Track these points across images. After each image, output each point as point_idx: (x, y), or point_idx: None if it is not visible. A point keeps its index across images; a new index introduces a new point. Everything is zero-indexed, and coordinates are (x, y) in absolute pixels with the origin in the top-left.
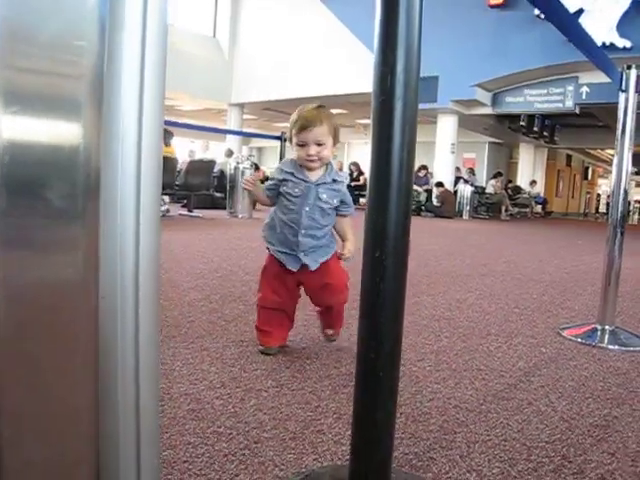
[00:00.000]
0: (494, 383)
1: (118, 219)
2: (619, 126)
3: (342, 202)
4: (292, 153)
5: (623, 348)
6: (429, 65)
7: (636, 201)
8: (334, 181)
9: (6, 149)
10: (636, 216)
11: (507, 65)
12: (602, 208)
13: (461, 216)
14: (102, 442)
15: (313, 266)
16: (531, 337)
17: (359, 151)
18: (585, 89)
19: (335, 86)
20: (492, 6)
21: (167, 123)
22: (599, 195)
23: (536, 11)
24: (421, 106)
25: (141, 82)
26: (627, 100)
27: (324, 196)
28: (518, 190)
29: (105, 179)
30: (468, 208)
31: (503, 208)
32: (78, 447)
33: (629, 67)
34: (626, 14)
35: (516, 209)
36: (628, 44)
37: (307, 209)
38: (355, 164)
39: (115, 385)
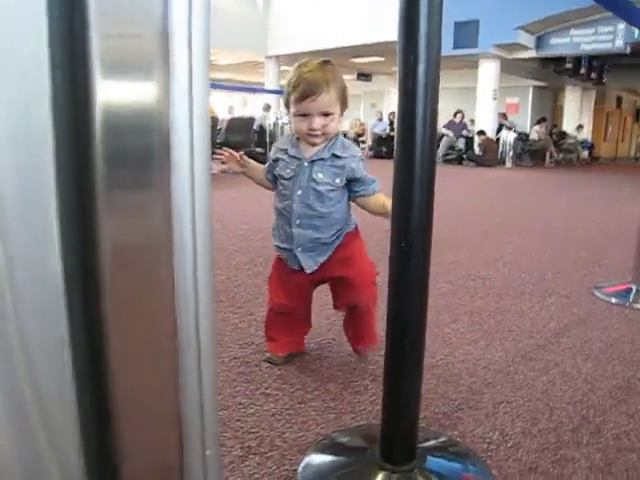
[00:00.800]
0: (524, 344)
1: (184, 181)
2: None
3: (354, 181)
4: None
5: None
6: (469, 9)
7: None
8: (334, 156)
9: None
10: None
11: (551, 5)
12: None
13: (504, 164)
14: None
15: (309, 267)
16: (565, 296)
17: None
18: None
19: (371, 34)
20: None
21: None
22: None
23: None
24: (461, 51)
25: (189, 39)
26: None
27: (320, 175)
28: (563, 135)
29: (174, 140)
30: (511, 155)
31: (547, 155)
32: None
33: None
34: None
35: (561, 155)
36: None
37: (299, 193)
38: (394, 113)
39: (188, 340)
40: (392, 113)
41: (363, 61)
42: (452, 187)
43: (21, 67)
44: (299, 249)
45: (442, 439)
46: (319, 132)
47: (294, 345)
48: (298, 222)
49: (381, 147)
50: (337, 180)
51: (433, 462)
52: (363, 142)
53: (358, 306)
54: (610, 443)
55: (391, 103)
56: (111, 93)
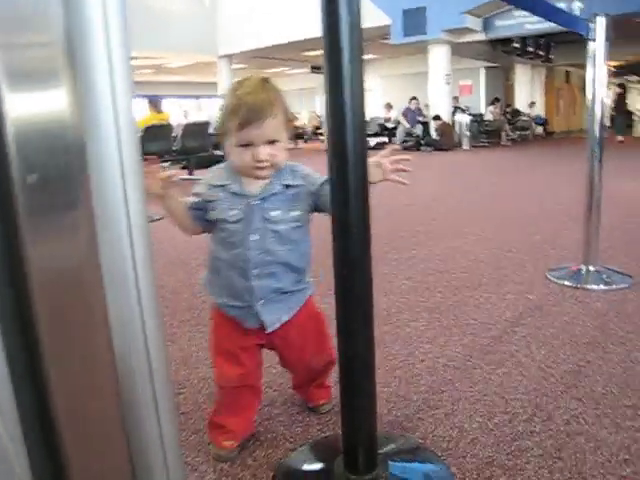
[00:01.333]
0: (481, 337)
1: (111, 197)
2: (588, 67)
3: (319, 187)
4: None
5: (605, 287)
6: None
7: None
8: (287, 187)
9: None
10: None
11: None
12: (606, 121)
13: (461, 146)
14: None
15: (271, 324)
16: (519, 283)
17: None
18: (578, 4)
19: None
20: None
21: (157, 83)
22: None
23: None
24: (410, 39)
25: (107, 42)
26: (596, 47)
27: (275, 213)
28: (517, 113)
29: (90, 152)
30: (468, 137)
31: (503, 134)
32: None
33: (596, 15)
34: None
35: (517, 133)
36: None
37: (255, 238)
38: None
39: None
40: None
41: (316, 54)
42: (409, 175)
43: None
44: (261, 302)
45: (403, 443)
46: (267, 164)
47: (248, 427)
48: (256, 272)
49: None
50: (297, 213)
51: (395, 467)
52: (322, 134)
53: (317, 371)
54: (561, 429)
55: None
56: (22, 108)
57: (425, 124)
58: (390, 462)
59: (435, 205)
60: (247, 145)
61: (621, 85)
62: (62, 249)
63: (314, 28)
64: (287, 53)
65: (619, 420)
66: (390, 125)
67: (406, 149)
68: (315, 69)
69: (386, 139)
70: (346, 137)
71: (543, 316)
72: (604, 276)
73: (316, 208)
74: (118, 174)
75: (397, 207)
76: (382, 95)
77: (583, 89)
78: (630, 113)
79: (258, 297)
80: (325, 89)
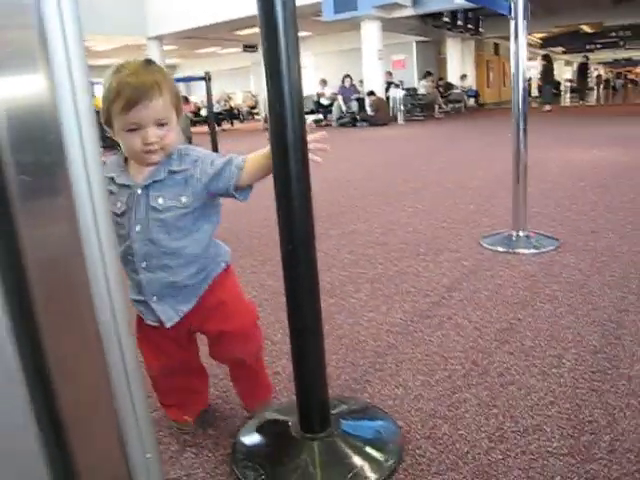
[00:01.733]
0: (420, 303)
1: (81, 182)
2: (511, 42)
3: (215, 177)
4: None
5: (535, 251)
6: None
7: (566, 80)
8: (172, 173)
9: None
10: (568, 95)
11: None
12: (534, 92)
13: (396, 121)
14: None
15: (169, 320)
16: (455, 251)
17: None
18: None
19: (252, 5)
20: None
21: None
22: (530, 79)
23: None
24: (342, 15)
25: (62, 28)
26: (517, 24)
27: (160, 201)
28: (450, 86)
29: (66, 140)
30: (402, 111)
31: (436, 107)
32: None
33: None
34: None
35: (450, 106)
36: None
37: (138, 229)
38: None
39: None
40: None
41: (248, 32)
42: (347, 151)
43: None
44: (154, 298)
45: (353, 403)
46: (157, 146)
47: (200, 402)
48: (144, 265)
49: None
50: (183, 199)
51: (346, 425)
52: (257, 114)
53: (243, 361)
54: (495, 380)
55: None
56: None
57: (360, 100)
58: (342, 420)
59: (372, 179)
60: (135, 129)
61: (546, 56)
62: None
63: (245, 7)
64: (219, 33)
65: (546, 369)
66: (325, 102)
67: (342, 125)
68: (248, 48)
69: (321, 116)
70: (286, 117)
71: (478, 280)
72: (533, 240)
73: (218, 191)
74: (80, 163)
75: (335, 183)
76: (315, 72)
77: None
78: (558, 83)
79: (150, 292)
80: (265, 68)
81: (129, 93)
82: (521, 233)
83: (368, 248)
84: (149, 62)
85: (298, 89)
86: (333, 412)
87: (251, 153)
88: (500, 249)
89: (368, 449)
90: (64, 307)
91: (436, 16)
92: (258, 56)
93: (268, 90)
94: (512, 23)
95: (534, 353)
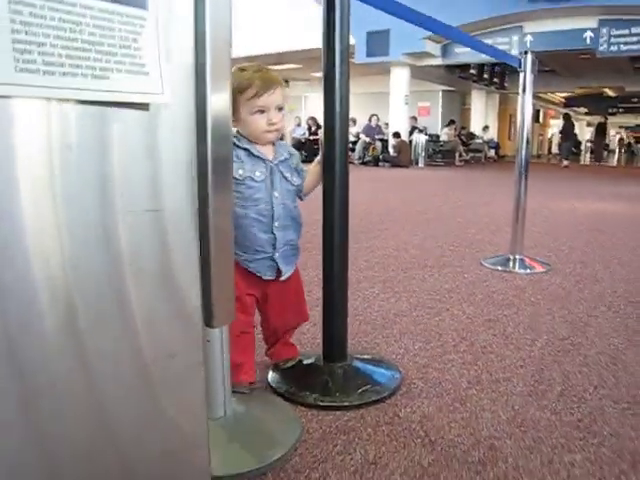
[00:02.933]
0: (424, 299)
1: None
2: (520, 94)
3: (299, 173)
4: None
5: (528, 271)
6: (381, 20)
7: (587, 140)
8: (290, 154)
9: None
10: (588, 155)
11: (454, 17)
12: (555, 149)
13: (417, 164)
14: None
15: (287, 271)
16: (458, 267)
17: (317, 105)
18: (529, 38)
19: (291, 42)
20: None
21: None
22: (552, 136)
23: None
24: (373, 59)
25: None
26: (525, 78)
27: (288, 175)
28: (472, 136)
29: None
30: (423, 155)
31: (457, 154)
32: None
33: (525, 52)
34: None
35: (470, 154)
36: None
37: (276, 194)
38: (313, 118)
39: None
40: (311, 118)
41: (280, 68)
42: (368, 186)
43: None
44: (278, 253)
45: (366, 354)
46: (277, 126)
47: (254, 368)
48: (277, 224)
49: (300, 151)
50: (295, 179)
51: (358, 362)
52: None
53: (294, 327)
54: (478, 350)
55: (309, 108)
56: None
57: (384, 141)
58: (356, 359)
59: (390, 210)
60: (262, 111)
61: (567, 115)
62: None
63: (280, 44)
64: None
65: (520, 346)
66: (352, 139)
67: (364, 164)
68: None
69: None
70: (335, 137)
71: (475, 288)
72: (527, 263)
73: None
74: None
75: (357, 211)
76: None
77: (535, 116)
78: (579, 142)
79: (278, 247)
80: (324, 98)
81: (260, 83)
82: (517, 257)
83: (382, 258)
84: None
85: (346, 114)
86: (349, 354)
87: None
88: (498, 268)
89: (375, 376)
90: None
91: (463, 67)
92: (287, 91)
93: (325, 115)
94: (521, 75)
95: (513, 336)
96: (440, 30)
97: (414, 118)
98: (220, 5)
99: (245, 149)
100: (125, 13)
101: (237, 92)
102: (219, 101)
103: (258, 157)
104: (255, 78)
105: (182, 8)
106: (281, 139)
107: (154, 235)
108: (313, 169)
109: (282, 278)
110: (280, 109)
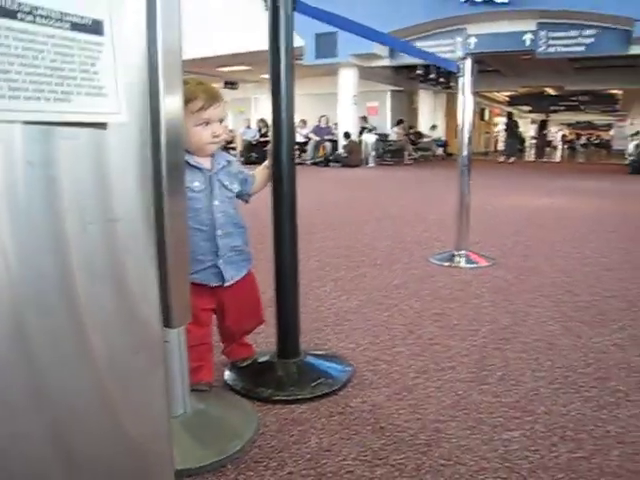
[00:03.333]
0: (374, 295)
1: None
2: (460, 96)
3: (243, 180)
4: None
5: (472, 265)
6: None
7: (531, 137)
8: (228, 162)
9: None
10: (533, 151)
11: (400, 20)
12: (501, 146)
13: (367, 164)
14: None
15: (231, 277)
16: (407, 264)
17: (266, 107)
18: (472, 39)
19: (239, 44)
20: None
21: None
22: (498, 134)
23: None
24: (322, 61)
25: None
26: (464, 81)
27: (226, 183)
28: (420, 135)
29: None
30: (373, 155)
31: (406, 153)
32: None
33: (464, 58)
34: None
35: (419, 153)
36: None
37: (216, 203)
38: (262, 120)
39: None
40: (260, 120)
41: (230, 69)
42: (319, 187)
43: None
44: (221, 260)
45: (318, 349)
46: (220, 138)
47: (212, 369)
48: (219, 233)
49: (251, 153)
50: (235, 185)
51: (311, 358)
52: (233, 149)
53: (248, 332)
54: (425, 342)
55: (259, 110)
56: None
57: (334, 142)
58: (308, 355)
59: (341, 210)
60: (207, 124)
61: (510, 114)
62: None
63: (230, 45)
64: (202, 67)
65: (465, 336)
66: (301, 139)
67: (315, 164)
68: (228, 84)
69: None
70: (282, 137)
71: (422, 283)
72: (472, 258)
73: (240, 191)
74: None
75: (307, 211)
76: (295, 112)
77: (480, 115)
78: (523, 139)
79: (221, 255)
80: (271, 97)
81: (206, 96)
82: (462, 252)
83: (334, 258)
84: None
85: (291, 115)
86: (302, 350)
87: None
88: (445, 264)
89: (328, 370)
90: None
91: (410, 68)
92: (236, 93)
93: (273, 113)
94: (460, 80)
95: (458, 327)
96: (375, 38)
97: (364, 118)
98: (171, 26)
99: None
100: (83, 40)
101: (188, 100)
102: (171, 113)
103: (196, 167)
104: (200, 91)
105: (136, 32)
106: (231, 142)
107: (113, 243)
108: (262, 172)
109: (227, 284)
110: (221, 121)
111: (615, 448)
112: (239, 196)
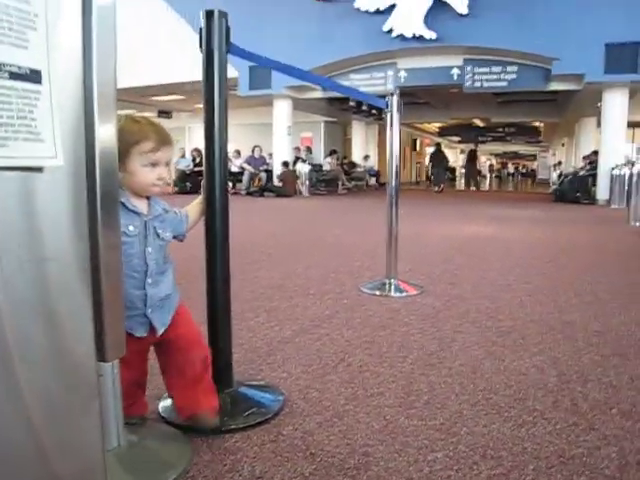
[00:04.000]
0: (305, 325)
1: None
2: (387, 131)
3: (176, 223)
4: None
5: (402, 294)
6: (263, 54)
7: (461, 166)
8: (165, 210)
9: None
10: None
11: (333, 53)
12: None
13: (301, 193)
14: None
15: (162, 326)
16: (339, 293)
17: (200, 136)
18: (403, 73)
19: (173, 74)
20: None
21: None
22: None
23: (355, 4)
24: (256, 92)
25: None
26: (392, 116)
27: (160, 231)
28: (353, 165)
29: None
30: (307, 184)
31: (340, 183)
32: None
33: (392, 94)
34: (430, 10)
35: (352, 183)
36: (434, 35)
37: (150, 250)
38: (197, 150)
39: None
40: (195, 149)
41: (164, 99)
42: (253, 217)
43: None
44: (150, 310)
45: (251, 379)
46: (164, 181)
47: (145, 403)
48: (150, 281)
49: (185, 183)
50: (168, 234)
51: (244, 388)
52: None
53: (195, 365)
54: (355, 369)
55: (193, 139)
56: None
57: (268, 172)
58: (242, 386)
59: (275, 240)
60: (154, 165)
61: (437, 144)
62: None
63: (163, 75)
64: (135, 96)
65: (393, 363)
66: (235, 170)
67: (250, 194)
68: (162, 113)
69: (230, 184)
70: (215, 167)
71: (353, 312)
72: (401, 287)
73: (175, 233)
74: None
75: (244, 244)
76: (229, 142)
77: (412, 145)
78: (453, 169)
79: (150, 305)
80: (204, 130)
81: (158, 138)
82: (392, 281)
83: (267, 289)
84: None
85: (225, 147)
86: (237, 381)
87: (187, 206)
88: (376, 292)
89: (260, 400)
90: None
91: (343, 100)
92: (171, 122)
93: (206, 146)
94: (388, 115)
95: (386, 355)
96: (304, 78)
97: (298, 148)
98: (106, 69)
99: (120, 202)
100: (22, 88)
101: (132, 143)
102: (106, 150)
103: (133, 211)
104: (151, 132)
105: (72, 78)
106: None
107: (48, 280)
108: (195, 207)
109: (159, 334)
110: (167, 165)
111: (531, 463)
112: (175, 237)
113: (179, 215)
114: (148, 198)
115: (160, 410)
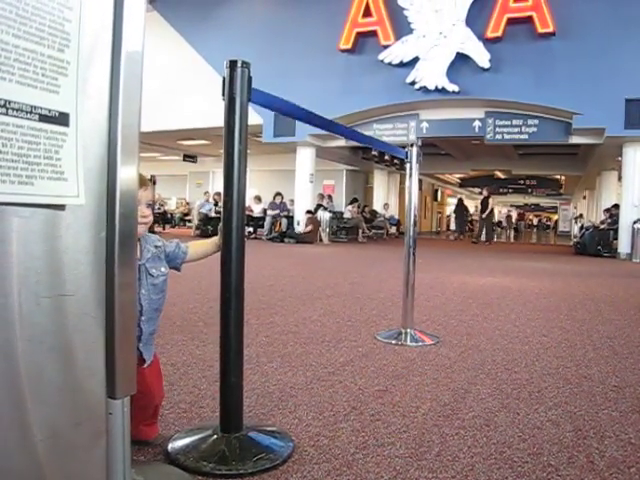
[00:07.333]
0: (320, 373)
1: None
2: (407, 181)
3: (173, 256)
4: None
5: (418, 344)
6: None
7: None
8: (156, 247)
9: None
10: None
11: (357, 103)
12: (453, 225)
13: (321, 240)
14: None
15: (149, 359)
16: (354, 341)
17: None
18: (425, 124)
19: (199, 120)
20: (342, 50)
21: None
22: (449, 215)
23: (380, 56)
24: (281, 139)
25: None
26: (411, 167)
27: (154, 271)
28: (374, 214)
29: None
30: (328, 231)
31: (360, 231)
32: None
33: (412, 145)
34: (453, 63)
35: (373, 231)
36: (456, 88)
37: (143, 291)
38: (219, 194)
39: None
40: (217, 193)
41: (190, 143)
42: (273, 262)
43: None
44: (142, 343)
45: (261, 424)
46: (147, 220)
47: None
48: (143, 318)
49: (207, 226)
50: (163, 269)
51: (254, 433)
52: (189, 221)
53: (154, 403)
54: (367, 418)
55: (217, 183)
56: None
57: (289, 218)
58: (252, 430)
59: (293, 286)
60: None
61: (460, 199)
62: None
63: (192, 120)
64: (161, 140)
65: (406, 413)
66: (257, 215)
67: (271, 239)
68: (188, 157)
69: (251, 229)
70: (233, 211)
71: (368, 360)
72: (417, 337)
73: (171, 265)
74: None
75: (261, 289)
76: (251, 187)
77: (433, 195)
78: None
79: (142, 340)
80: (224, 178)
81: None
82: (408, 330)
83: (282, 334)
84: None
85: (243, 193)
86: (246, 425)
87: (194, 241)
88: (391, 341)
89: (270, 445)
90: None
91: (366, 149)
92: (195, 166)
93: (224, 192)
94: (407, 166)
95: (400, 404)
96: (324, 126)
97: (321, 195)
98: (131, 114)
99: None
100: (50, 130)
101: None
102: (127, 191)
103: None
104: None
105: (98, 122)
106: (187, 214)
107: (64, 316)
108: (205, 244)
109: (146, 365)
110: (149, 206)
111: None
112: (171, 268)
113: (176, 250)
114: (139, 239)
115: (169, 451)
